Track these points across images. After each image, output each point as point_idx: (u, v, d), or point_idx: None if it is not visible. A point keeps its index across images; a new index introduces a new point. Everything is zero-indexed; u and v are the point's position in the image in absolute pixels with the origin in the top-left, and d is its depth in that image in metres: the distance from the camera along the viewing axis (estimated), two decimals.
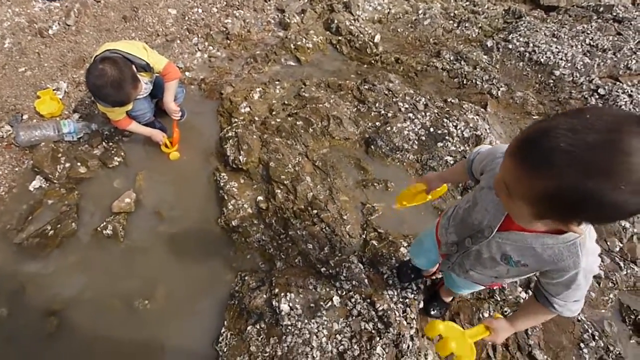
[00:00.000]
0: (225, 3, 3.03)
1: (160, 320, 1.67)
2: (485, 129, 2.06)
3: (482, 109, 2.20)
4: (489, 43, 2.56)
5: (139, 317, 1.69)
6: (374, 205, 1.86)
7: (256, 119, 2.25)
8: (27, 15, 2.79)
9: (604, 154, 0.53)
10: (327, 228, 1.76)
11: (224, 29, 2.86)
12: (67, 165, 2.11)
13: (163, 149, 2.15)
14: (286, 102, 2.35)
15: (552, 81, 2.35)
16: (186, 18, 2.90)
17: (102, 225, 1.90)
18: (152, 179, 2.10)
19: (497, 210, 0.83)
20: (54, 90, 2.41)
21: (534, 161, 0.60)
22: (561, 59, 2.40)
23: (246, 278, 1.71)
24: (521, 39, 2.52)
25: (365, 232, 1.79)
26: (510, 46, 2.51)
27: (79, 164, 2.12)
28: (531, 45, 2.48)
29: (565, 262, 0.77)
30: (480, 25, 2.75)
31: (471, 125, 2.04)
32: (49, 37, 2.69)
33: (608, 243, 1.85)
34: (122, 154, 2.17)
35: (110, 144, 2.22)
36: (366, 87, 2.32)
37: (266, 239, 1.83)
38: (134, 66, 1.71)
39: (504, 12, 2.84)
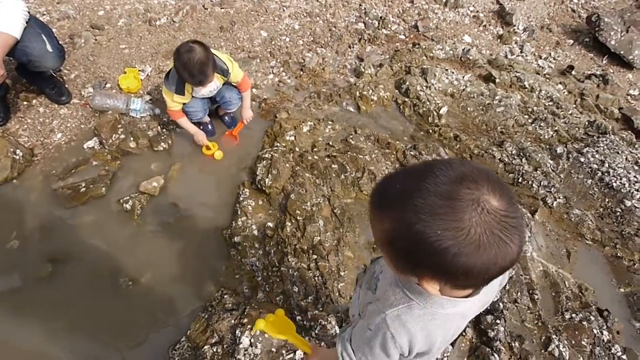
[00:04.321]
0: (312, 39, 3.35)
1: (135, 305, 1.78)
2: (526, 237, 1.96)
3: (529, 214, 2.11)
4: (559, 149, 2.48)
5: (118, 293, 1.82)
6: None
7: (297, 149, 2.40)
8: (146, 4, 3.35)
9: (440, 199, 0.55)
10: (319, 278, 1.77)
11: (302, 61, 3.15)
12: (122, 136, 2.42)
13: (204, 150, 2.37)
14: (330, 144, 2.47)
15: (619, 210, 2.19)
16: (273, 42, 3.25)
17: (124, 198, 2.12)
18: (184, 172, 2.31)
19: None
20: (139, 70, 2.82)
21: (377, 202, 0.64)
22: (638, 190, 2.23)
23: (225, 296, 1.76)
24: (597, 156, 2.41)
25: None
26: (582, 159, 2.41)
27: (131, 138, 2.42)
28: (607, 165, 2.35)
29: (387, 298, 0.75)
30: (556, 128, 2.69)
31: None
32: (155, 26, 3.19)
33: None
34: (170, 142, 2.43)
35: (164, 130, 2.50)
36: (412, 153, 2.36)
37: (259, 265, 1.89)
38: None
39: (587, 123, 2.75)
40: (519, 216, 0.57)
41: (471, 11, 4.04)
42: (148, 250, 1.97)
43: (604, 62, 3.64)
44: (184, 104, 2.16)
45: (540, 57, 3.67)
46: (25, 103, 2.53)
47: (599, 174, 2.34)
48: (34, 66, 2.17)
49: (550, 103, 2.95)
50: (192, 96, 2.14)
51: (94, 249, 1.94)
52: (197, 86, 2.02)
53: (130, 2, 3.36)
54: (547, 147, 2.54)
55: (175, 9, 3.34)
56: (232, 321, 1.61)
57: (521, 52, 3.67)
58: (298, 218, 1.99)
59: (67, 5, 3.23)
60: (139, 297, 1.81)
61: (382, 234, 0.63)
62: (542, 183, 2.30)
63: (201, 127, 2.44)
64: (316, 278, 1.77)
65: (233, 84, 2.22)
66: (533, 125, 2.73)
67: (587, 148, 2.48)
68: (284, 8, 3.56)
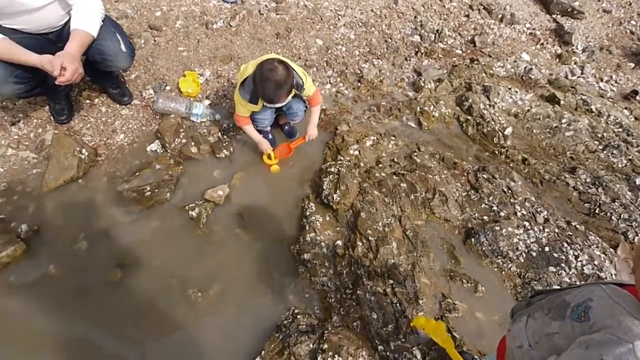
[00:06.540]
0: (368, 50, 3.33)
1: (205, 317, 1.76)
2: (611, 274, 1.87)
3: (611, 249, 2.02)
4: (638, 181, 2.39)
5: (188, 304, 1.79)
6: (455, 303, 1.78)
7: (362, 165, 2.36)
8: (202, 7, 3.38)
9: None
10: (398, 305, 1.71)
11: (359, 72, 3.12)
12: (184, 141, 2.41)
13: (265, 159, 2.35)
14: (395, 160, 2.43)
15: None
16: (329, 51, 3.24)
17: (190, 205, 2.10)
18: (247, 182, 2.29)
19: None
20: (198, 74, 2.83)
21: None
22: None
23: (298, 317, 1.72)
24: None
25: None
26: None
27: (193, 143, 2.41)
28: None
29: (628, 328, 0.71)
30: (630, 157, 2.60)
31: (596, 262, 1.88)
32: (212, 30, 3.21)
33: None
34: (231, 149, 2.42)
35: (225, 137, 2.49)
36: (485, 176, 2.30)
37: (331, 286, 1.85)
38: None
39: None
40: None
41: (527, 28, 3.97)
42: (215, 261, 1.94)
43: None
44: (253, 111, 2.15)
45: (602, 80, 3.57)
46: (87, 102, 2.55)
47: None
48: (106, 65, 2.18)
49: (620, 129, 2.85)
50: (264, 105, 2.12)
51: (161, 256, 1.93)
52: (268, 103, 2.01)
53: (187, 3, 3.39)
54: (624, 177, 2.44)
55: (231, 13, 3.36)
56: (311, 345, 1.57)
57: (582, 73, 3.58)
58: (370, 238, 1.94)
59: (125, 4, 3.27)
60: (209, 309, 1.78)
61: None
62: (622, 216, 2.20)
63: (262, 135, 2.42)
64: (394, 305, 1.71)
65: (304, 97, 2.20)
66: (605, 152, 2.64)
67: None
68: (339, 17, 3.55)
